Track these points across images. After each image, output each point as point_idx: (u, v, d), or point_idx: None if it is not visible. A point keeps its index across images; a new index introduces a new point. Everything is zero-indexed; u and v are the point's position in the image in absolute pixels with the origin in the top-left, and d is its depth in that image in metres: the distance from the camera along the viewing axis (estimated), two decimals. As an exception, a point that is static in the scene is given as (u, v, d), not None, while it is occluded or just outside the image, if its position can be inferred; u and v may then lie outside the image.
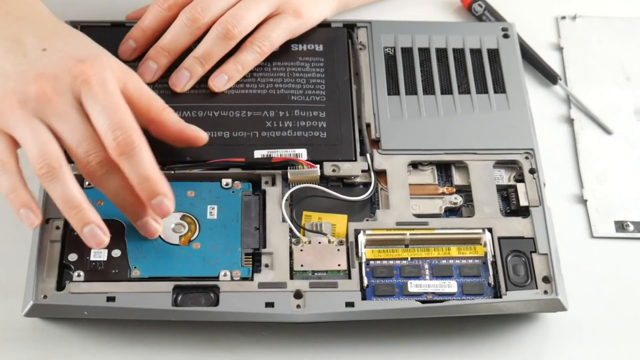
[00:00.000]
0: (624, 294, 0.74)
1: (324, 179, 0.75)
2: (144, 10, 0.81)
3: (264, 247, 0.71)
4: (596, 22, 0.91)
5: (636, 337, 0.72)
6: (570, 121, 0.84)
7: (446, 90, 0.80)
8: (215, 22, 0.78)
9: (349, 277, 0.70)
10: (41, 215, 0.69)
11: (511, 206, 0.74)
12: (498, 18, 0.89)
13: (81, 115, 0.67)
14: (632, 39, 0.90)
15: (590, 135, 0.83)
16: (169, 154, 0.73)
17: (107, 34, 0.81)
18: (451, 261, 0.71)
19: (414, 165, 0.76)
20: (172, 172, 0.73)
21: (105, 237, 0.68)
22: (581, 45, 0.89)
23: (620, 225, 0.77)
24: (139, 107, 0.70)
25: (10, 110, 0.67)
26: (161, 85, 0.79)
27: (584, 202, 0.79)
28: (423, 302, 0.68)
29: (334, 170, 0.74)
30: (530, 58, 0.86)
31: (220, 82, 0.78)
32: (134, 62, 0.79)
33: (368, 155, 0.75)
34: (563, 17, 0.91)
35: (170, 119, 0.72)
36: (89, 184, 0.72)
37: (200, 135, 0.73)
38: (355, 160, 0.75)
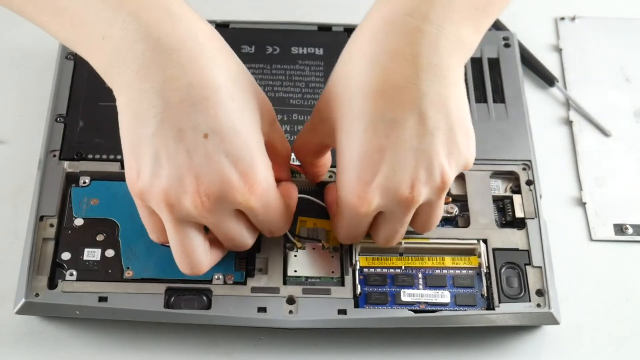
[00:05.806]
0: (623, 297, 0.74)
1: (320, 185, 0.74)
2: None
3: (259, 251, 0.70)
4: (595, 23, 0.90)
5: (636, 341, 0.72)
6: (569, 123, 0.83)
7: (445, 98, 0.79)
8: None
9: (342, 284, 0.70)
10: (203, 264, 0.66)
11: (507, 217, 0.74)
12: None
13: (235, 222, 0.64)
14: (632, 41, 0.89)
15: (589, 138, 0.83)
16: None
17: None
18: (445, 271, 0.71)
19: (411, 173, 0.75)
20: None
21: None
22: (580, 47, 0.89)
23: (619, 228, 0.77)
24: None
25: (156, 205, 0.60)
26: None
27: (582, 205, 0.79)
28: (415, 311, 0.68)
29: (330, 176, 0.74)
30: (527, 60, 0.86)
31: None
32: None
33: (365, 161, 0.75)
34: (562, 18, 0.90)
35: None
36: (84, 182, 0.72)
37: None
38: (353, 166, 0.75)
